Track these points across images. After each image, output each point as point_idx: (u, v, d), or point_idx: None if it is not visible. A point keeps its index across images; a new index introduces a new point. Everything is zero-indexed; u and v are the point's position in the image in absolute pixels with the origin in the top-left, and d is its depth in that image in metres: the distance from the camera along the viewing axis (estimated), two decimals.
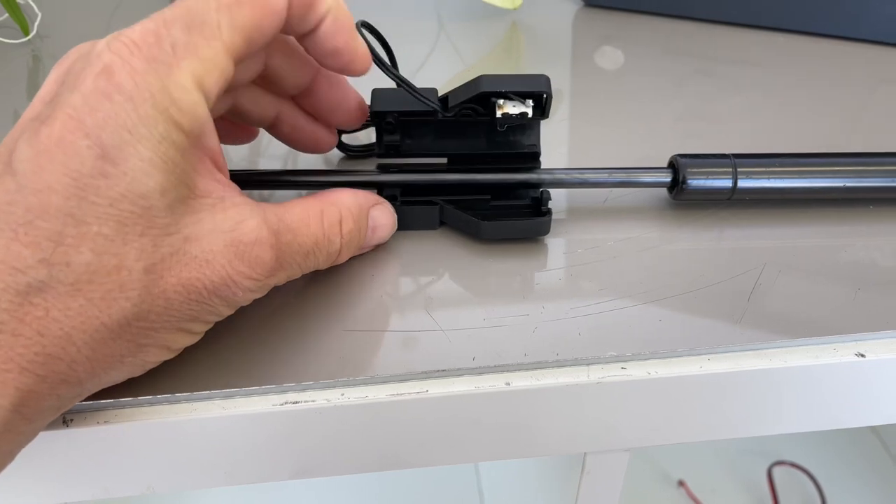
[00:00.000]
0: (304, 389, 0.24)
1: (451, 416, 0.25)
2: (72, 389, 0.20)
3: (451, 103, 0.29)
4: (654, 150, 0.35)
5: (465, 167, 0.30)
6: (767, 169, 0.30)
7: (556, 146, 0.36)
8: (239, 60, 0.22)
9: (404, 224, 0.30)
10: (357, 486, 0.71)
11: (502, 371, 0.25)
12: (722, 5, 0.47)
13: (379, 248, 0.29)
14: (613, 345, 0.25)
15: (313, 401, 0.24)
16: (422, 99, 0.28)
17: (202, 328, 0.23)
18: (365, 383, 0.24)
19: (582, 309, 0.27)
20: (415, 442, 0.26)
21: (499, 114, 0.28)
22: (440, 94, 0.29)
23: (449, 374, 0.25)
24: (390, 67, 0.28)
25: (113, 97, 0.20)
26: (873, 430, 0.77)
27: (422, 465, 0.27)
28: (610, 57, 0.46)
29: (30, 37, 0.45)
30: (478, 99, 0.28)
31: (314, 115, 0.30)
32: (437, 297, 0.27)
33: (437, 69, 0.44)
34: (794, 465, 0.71)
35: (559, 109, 0.39)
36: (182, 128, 0.20)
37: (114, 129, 0.19)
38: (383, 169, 0.30)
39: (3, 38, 0.45)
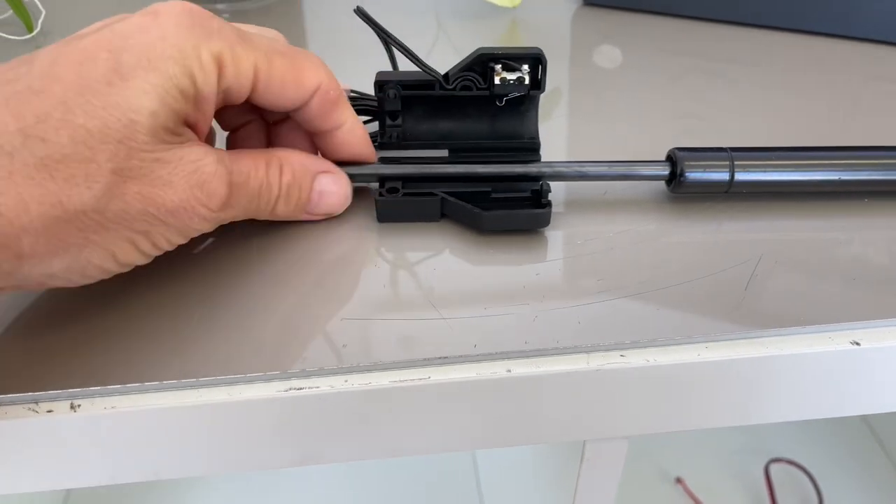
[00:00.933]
0: (308, 376, 0.24)
1: (452, 403, 0.25)
2: (9, 260, 0.21)
3: (451, 74, 0.30)
4: (651, 146, 0.35)
5: (467, 159, 0.31)
6: (764, 162, 0.30)
7: (555, 141, 0.36)
8: (253, 89, 0.25)
9: (406, 215, 0.30)
10: (355, 476, 0.71)
11: (503, 358, 0.25)
12: (719, 4, 0.48)
13: (381, 239, 0.30)
14: (612, 333, 0.26)
15: (317, 387, 0.24)
16: (423, 67, 0.29)
17: (150, 249, 0.24)
18: (368, 370, 0.25)
19: (581, 298, 0.27)
20: (416, 428, 0.26)
21: (497, 80, 0.29)
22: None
23: (450, 361, 0.25)
24: (392, 37, 0.29)
25: (150, 31, 0.23)
26: (869, 427, 0.78)
27: (423, 453, 0.27)
28: (608, 55, 0.46)
29: (34, 34, 0.46)
30: (476, 65, 0.29)
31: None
32: (439, 287, 0.27)
33: (436, 67, 0.44)
34: (791, 462, 0.72)
35: (558, 106, 0.40)
36: (194, 81, 0.23)
37: (136, 54, 0.22)
38: (385, 161, 0.30)
39: (6, 34, 0.46)
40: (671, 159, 0.31)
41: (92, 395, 0.24)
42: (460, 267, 0.29)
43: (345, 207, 0.30)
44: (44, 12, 0.47)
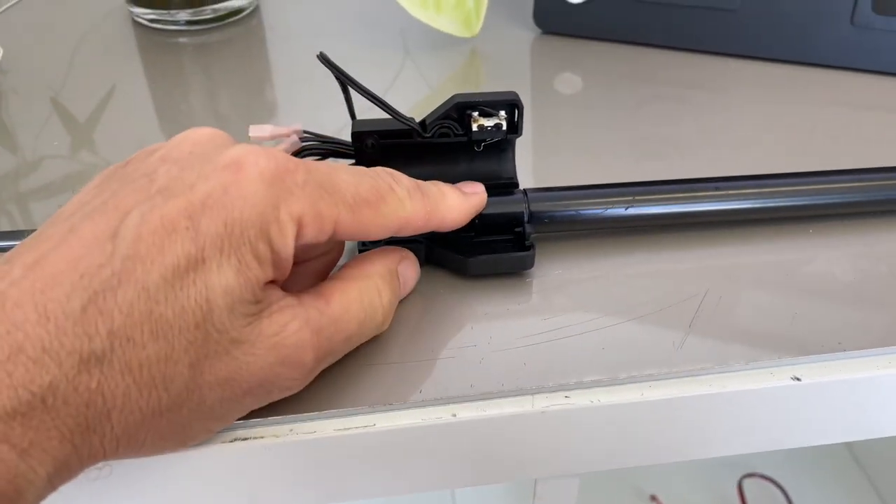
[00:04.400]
0: (253, 426, 0.25)
1: (397, 449, 0.26)
2: (93, 464, 0.20)
3: (428, 122, 0.29)
4: (614, 173, 0.35)
5: None
6: (558, 202, 0.31)
7: (519, 171, 0.36)
8: (331, 237, 0.24)
9: None
10: None
11: (448, 403, 0.25)
12: (676, 32, 0.48)
13: None
14: (558, 373, 0.26)
15: (262, 437, 0.24)
16: (400, 118, 0.29)
17: (220, 427, 0.23)
18: (312, 419, 0.25)
19: (528, 339, 0.27)
20: (364, 474, 0.26)
21: (475, 127, 0.29)
22: (417, 119, 0.30)
23: (395, 407, 0.25)
24: (363, 87, 0.28)
25: (230, 190, 0.21)
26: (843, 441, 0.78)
27: (371, 497, 0.27)
28: (569, 83, 0.47)
29: None
30: (453, 112, 0.29)
31: None
32: (384, 331, 0.28)
33: (404, 95, 0.45)
34: (764, 476, 0.72)
35: (522, 135, 0.40)
36: (271, 245, 0.22)
37: (215, 219, 0.21)
38: None
39: None
40: None
41: None
42: (405, 310, 0.29)
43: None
44: (1, 50, 0.47)
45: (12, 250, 0.21)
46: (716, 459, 0.75)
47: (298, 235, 0.22)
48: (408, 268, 0.28)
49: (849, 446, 0.78)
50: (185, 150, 0.23)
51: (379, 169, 0.26)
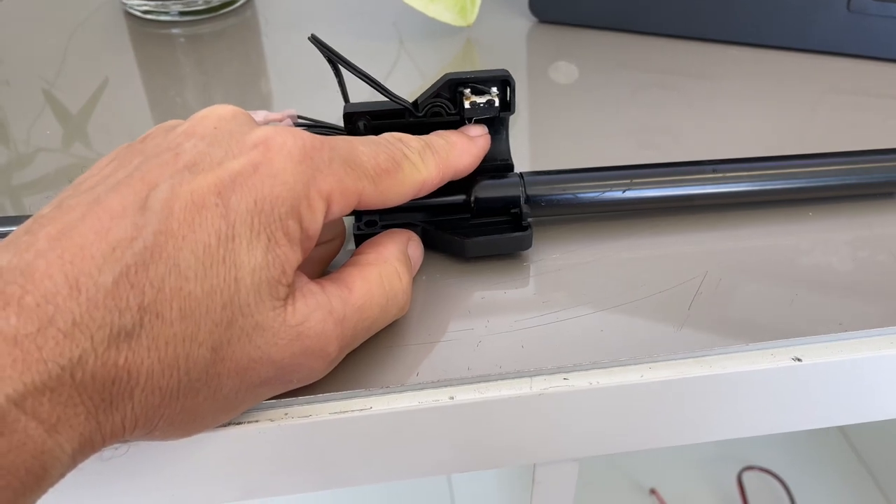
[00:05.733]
0: (248, 410, 0.24)
1: (394, 432, 0.25)
2: (115, 442, 0.20)
3: (420, 102, 0.29)
4: (609, 161, 0.35)
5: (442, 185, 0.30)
6: (554, 185, 0.30)
7: (517, 159, 0.36)
8: (354, 208, 0.24)
9: None
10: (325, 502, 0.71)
11: (445, 386, 0.25)
12: (672, 20, 0.48)
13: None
14: (556, 356, 0.26)
15: (257, 421, 0.24)
16: (392, 97, 0.29)
17: (228, 419, 0.23)
18: (308, 402, 0.24)
19: (525, 322, 0.27)
20: (360, 459, 0.26)
21: (466, 104, 0.29)
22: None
23: (392, 390, 0.25)
24: (356, 67, 0.28)
25: (260, 168, 0.21)
26: (841, 432, 0.78)
27: (370, 483, 0.27)
28: (564, 72, 0.47)
29: None
30: (445, 91, 0.29)
31: None
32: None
33: (399, 85, 0.44)
34: (763, 469, 0.72)
35: (517, 122, 0.40)
36: (301, 223, 0.22)
37: (244, 196, 0.21)
38: None
39: None
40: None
41: None
42: None
43: None
44: None
45: (29, 221, 0.20)
46: (715, 452, 0.75)
47: (327, 212, 0.23)
48: (415, 249, 0.28)
49: (846, 436, 0.77)
50: (209, 126, 0.23)
51: (387, 135, 0.26)
